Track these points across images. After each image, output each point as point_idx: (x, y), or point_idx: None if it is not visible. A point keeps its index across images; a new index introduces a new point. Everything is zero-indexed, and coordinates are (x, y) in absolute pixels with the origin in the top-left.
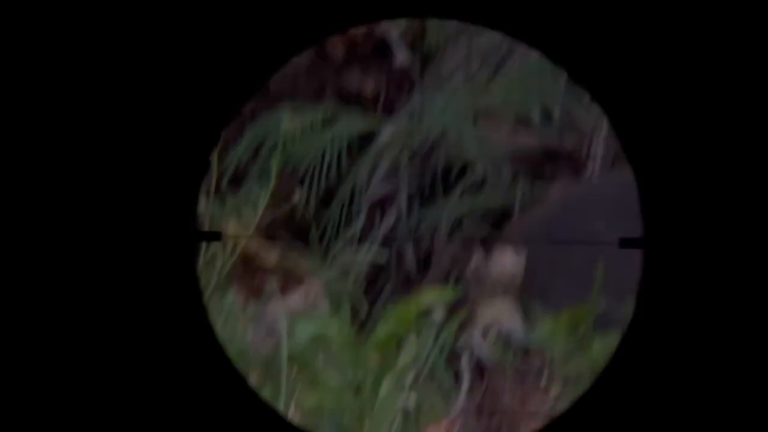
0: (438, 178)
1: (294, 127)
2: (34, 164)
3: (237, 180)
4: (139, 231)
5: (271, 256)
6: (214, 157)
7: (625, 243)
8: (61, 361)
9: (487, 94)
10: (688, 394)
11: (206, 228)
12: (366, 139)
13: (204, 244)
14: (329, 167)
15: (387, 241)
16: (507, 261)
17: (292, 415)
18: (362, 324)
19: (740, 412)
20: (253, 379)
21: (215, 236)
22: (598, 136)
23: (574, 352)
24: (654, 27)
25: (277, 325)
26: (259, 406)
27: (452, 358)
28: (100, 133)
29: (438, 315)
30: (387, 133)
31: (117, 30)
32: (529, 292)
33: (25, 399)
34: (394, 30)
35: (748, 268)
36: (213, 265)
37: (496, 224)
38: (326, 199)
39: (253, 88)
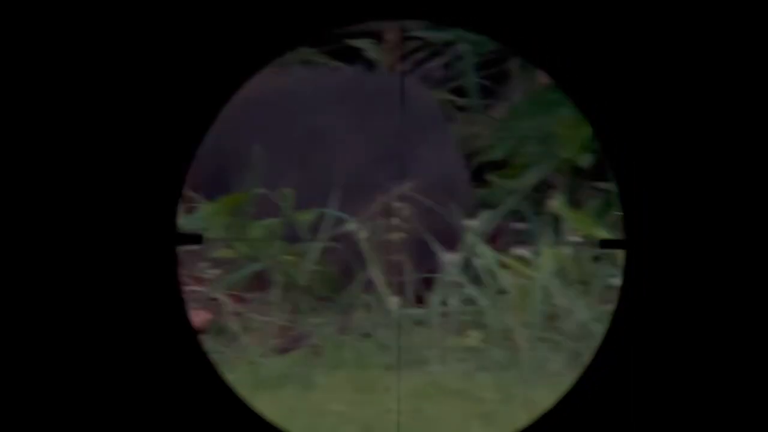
0: None
1: None
2: (15, 164)
3: None
4: (119, 234)
5: None
6: None
7: (606, 244)
8: (41, 364)
9: None
10: (669, 393)
11: None
12: None
13: None
14: None
15: None
16: None
17: None
18: None
19: (724, 410)
20: None
21: (196, 239)
22: None
23: (232, 237)
24: (636, 32)
25: None
26: (240, 407)
27: None
28: (81, 134)
29: None
30: None
31: (97, 31)
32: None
33: (6, 400)
34: None
35: (730, 268)
36: None
37: None
38: None
39: (232, 91)
